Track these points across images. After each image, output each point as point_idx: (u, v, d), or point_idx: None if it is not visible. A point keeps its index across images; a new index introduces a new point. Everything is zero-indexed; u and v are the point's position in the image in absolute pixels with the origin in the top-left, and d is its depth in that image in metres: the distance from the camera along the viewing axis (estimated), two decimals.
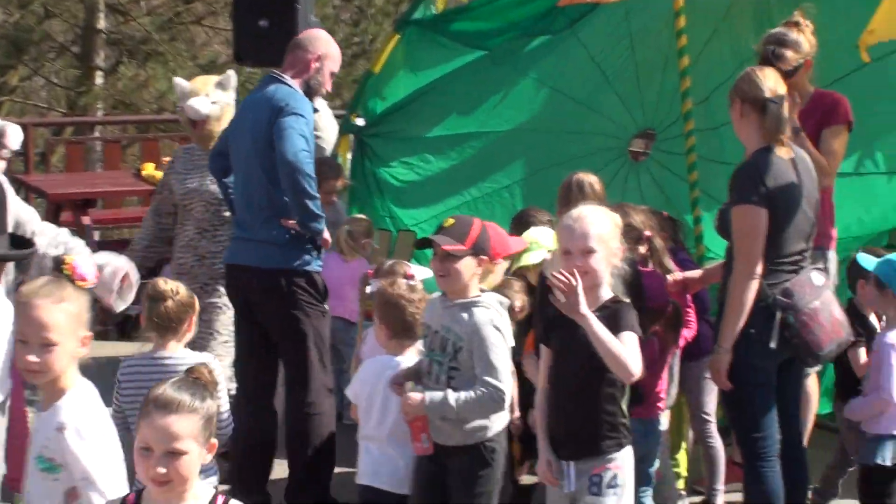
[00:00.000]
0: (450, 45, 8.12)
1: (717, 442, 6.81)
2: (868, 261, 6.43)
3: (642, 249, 6.18)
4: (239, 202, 6.80)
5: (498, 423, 5.37)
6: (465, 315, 5.26)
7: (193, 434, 3.53)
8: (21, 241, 3.51)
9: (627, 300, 5.03)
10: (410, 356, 5.75)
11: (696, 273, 6.38)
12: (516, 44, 8.27)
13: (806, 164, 5.82)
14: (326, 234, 6.63)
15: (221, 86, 7.43)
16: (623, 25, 8.15)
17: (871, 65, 7.25)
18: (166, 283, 5.70)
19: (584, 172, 6.58)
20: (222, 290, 7.15)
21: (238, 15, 9.26)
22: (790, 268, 5.71)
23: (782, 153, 5.68)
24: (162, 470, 3.50)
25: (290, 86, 6.70)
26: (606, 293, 5.03)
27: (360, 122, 8.48)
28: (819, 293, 5.71)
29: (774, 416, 5.81)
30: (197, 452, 3.55)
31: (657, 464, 6.32)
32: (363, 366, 6.03)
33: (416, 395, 5.23)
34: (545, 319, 5.27)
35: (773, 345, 5.64)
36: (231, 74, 7.47)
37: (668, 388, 6.32)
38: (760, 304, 5.64)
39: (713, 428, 6.80)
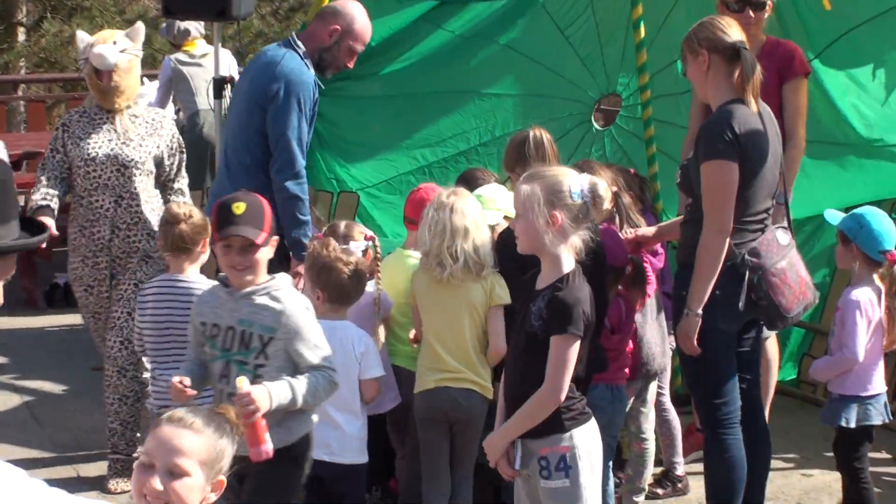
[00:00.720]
0: None
1: (672, 414, 6.75)
2: (834, 217, 6.35)
3: (609, 206, 6.07)
4: (219, 155, 6.90)
5: (306, 422, 5.11)
6: (269, 302, 4.91)
7: (200, 457, 3.25)
8: (31, 224, 3.18)
9: (577, 285, 4.79)
10: (346, 322, 5.73)
11: (650, 230, 6.25)
12: (477, 10, 8.05)
13: (771, 118, 5.72)
14: (300, 268, 6.43)
15: (129, 37, 7.00)
16: None
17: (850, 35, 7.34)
18: (179, 207, 6.18)
19: (539, 128, 6.43)
20: (137, 265, 6.87)
21: None
22: (756, 226, 5.62)
23: (752, 106, 5.56)
24: (159, 486, 3.20)
25: (301, 55, 6.64)
26: (568, 264, 4.82)
27: None
28: (786, 252, 5.64)
29: (736, 381, 5.73)
30: (200, 482, 3.25)
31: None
32: None
33: (259, 390, 4.76)
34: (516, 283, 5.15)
35: (740, 307, 5.55)
36: (139, 27, 7.09)
37: (663, 349, 6.30)
38: (727, 265, 5.54)
39: (667, 400, 6.74)
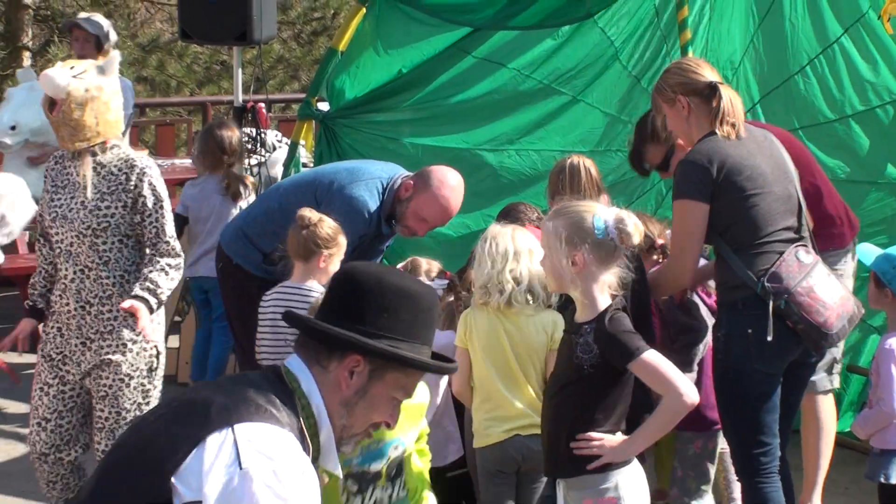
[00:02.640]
0: (426, 20, 7.91)
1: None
2: (868, 255, 6.32)
3: (655, 257, 6.14)
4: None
5: None
6: None
7: None
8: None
9: (619, 318, 4.87)
10: None
11: None
12: (523, 39, 8.08)
13: (767, 138, 5.78)
14: None
15: (101, 69, 6.20)
16: (654, 26, 8.02)
17: None
18: (311, 213, 6.26)
19: (578, 156, 6.47)
20: (118, 344, 6.17)
21: None
22: (778, 248, 5.61)
23: (731, 134, 5.62)
24: None
25: (381, 198, 6.76)
26: (603, 301, 4.89)
27: (323, 106, 8.31)
28: (809, 269, 5.60)
29: (776, 428, 5.71)
30: None
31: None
32: None
33: None
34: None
35: (769, 337, 5.50)
36: (114, 56, 6.36)
37: None
38: (750, 296, 5.54)
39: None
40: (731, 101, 5.63)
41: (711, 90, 5.63)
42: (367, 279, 3.52)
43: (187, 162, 12.33)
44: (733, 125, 5.61)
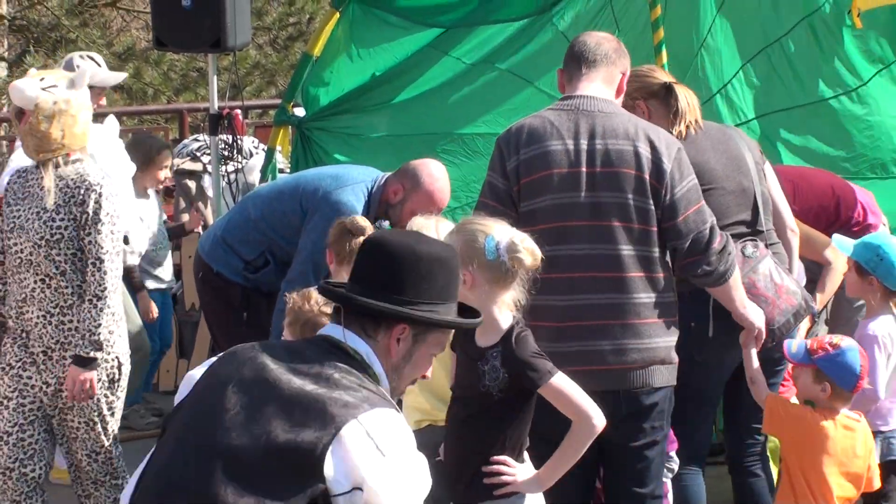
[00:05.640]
0: (399, 24, 7.98)
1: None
2: (845, 245, 6.39)
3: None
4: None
5: None
6: None
7: None
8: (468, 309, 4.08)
9: (524, 337, 4.80)
10: None
11: None
12: (485, 35, 8.13)
13: (725, 134, 5.99)
14: None
15: (72, 82, 6.18)
16: (606, 13, 8.07)
17: None
18: (363, 220, 6.10)
19: None
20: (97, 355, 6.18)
21: None
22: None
23: (683, 133, 5.80)
24: None
25: (367, 198, 6.82)
26: (505, 320, 4.82)
27: (298, 111, 8.36)
28: (754, 265, 5.74)
29: (710, 422, 6.00)
30: None
31: None
32: None
33: None
34: None
35: (710, 333, 5.66)
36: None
37: None
38: (694, 289, 5.60)
39: None
40: (687, 99, 5.87)
41: (667, 91, 5.86)
42: (400, 249, 3.79)
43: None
44: (689, 124, 5.83)
